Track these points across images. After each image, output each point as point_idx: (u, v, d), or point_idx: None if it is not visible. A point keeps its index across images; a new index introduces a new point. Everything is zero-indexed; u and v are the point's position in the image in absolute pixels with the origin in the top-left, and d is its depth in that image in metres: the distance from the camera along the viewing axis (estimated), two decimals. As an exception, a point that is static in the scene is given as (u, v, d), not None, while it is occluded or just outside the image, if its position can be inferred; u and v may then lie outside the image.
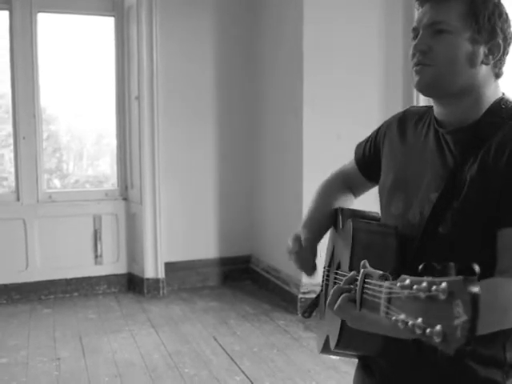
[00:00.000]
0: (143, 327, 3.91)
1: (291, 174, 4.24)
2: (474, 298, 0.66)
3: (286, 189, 4.39)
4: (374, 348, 1.17)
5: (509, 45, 1.19)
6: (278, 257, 4.53)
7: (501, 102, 1.18)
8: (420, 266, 0.75)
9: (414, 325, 0.71)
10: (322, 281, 1.47)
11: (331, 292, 1.06)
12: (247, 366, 3.28)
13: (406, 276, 0.77)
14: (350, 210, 1.47)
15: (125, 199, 4.75)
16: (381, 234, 1.24)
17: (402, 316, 0.74)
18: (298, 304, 4.10)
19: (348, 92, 4.02)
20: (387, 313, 0.81)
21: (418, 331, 0.70)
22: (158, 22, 4.42)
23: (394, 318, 0.76)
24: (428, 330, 0.68)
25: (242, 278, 4.95)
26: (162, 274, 4.60)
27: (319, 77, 3.99)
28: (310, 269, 1.42)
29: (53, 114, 4.98)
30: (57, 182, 5.00)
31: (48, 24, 4.56)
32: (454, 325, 0.66)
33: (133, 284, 4.71)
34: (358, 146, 1.52)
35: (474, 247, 1.12)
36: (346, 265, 1.21)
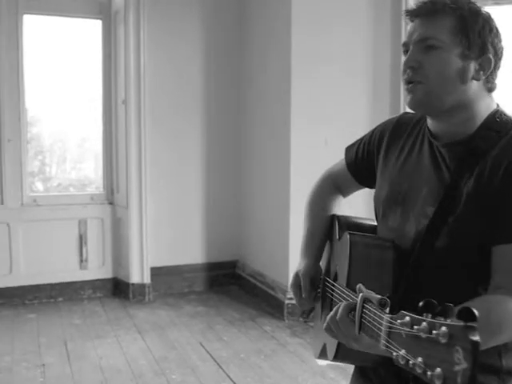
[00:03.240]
0: (129, 333, 3.87)
1: (279, 180, 4.24)
2: (475, 346, 0.66)
3: (273, 194, 4.39)
4: (371, 359, 1.17)
5: (500, 59, 1.18)
6: (264, 262, 4.53)
7: (495, 115, 1.18)
8: (420, 303, 0.76)
9: (414, 364, 0.73)
10: (319, 287, 1.47)
11: (328, 317, 1.08)
12: (234, 373, 3.27)
13: (405, 313, 0.79)
14: (345, 218, 1.46)
15: (111, 203, 4.71)
16: (378, 248, 1.24)
17: (402, 352, 0.77)
18: (285, 310, 4.09)
19: (335, 98, 4.03)
20: (387, 346, 0.83)
21: (419, 370, 0.72)
22: (146, 25, 4.39)
23: (394, 353, 0.79)
24: (429, 373, 0.70)
25: (228, 283, 4.93)
26: (147, 279, 4.57)
27: (307, 84, 3.99)
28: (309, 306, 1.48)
29: (35, 116, 4.92)
30: (39, 186, 4.95)
31: (34, 26, 4.52)
32: (454, 370, 0.67)
33: (118, 289, 4.67)
34: (349, 149, 1.50)
35: (470, 262, 1.13)
36: (343, 279, 1.22)
